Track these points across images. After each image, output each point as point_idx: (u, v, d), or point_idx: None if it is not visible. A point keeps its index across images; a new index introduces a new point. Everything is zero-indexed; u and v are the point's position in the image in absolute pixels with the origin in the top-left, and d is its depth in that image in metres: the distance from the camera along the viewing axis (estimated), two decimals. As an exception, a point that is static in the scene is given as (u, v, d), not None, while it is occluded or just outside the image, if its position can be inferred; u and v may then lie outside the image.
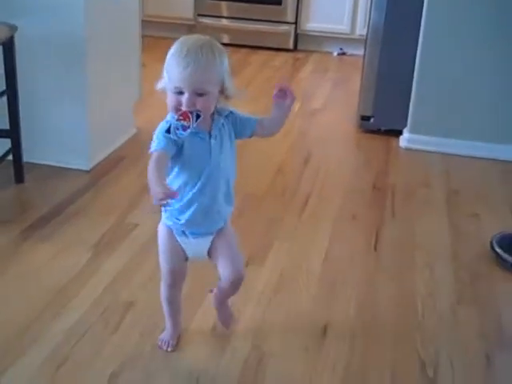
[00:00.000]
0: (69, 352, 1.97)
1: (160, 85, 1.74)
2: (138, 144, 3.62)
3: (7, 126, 2.95)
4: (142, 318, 2.14)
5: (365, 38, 4.10)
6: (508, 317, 2.27)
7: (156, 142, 1.74)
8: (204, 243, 1.88)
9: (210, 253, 1.90)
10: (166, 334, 2.02)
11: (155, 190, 1.58)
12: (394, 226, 2.87)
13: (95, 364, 1.92)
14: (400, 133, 3.84)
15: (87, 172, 3.22)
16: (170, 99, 1.71)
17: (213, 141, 1.76)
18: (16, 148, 2.97)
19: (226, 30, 5.90)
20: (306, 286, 2.38)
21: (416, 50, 3.69)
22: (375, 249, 2.67)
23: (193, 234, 1.85)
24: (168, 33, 5.89)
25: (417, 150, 3.71)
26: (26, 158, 3.07)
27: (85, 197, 2.99)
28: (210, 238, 1.88)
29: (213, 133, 1.77)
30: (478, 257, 2.63)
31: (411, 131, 3.76)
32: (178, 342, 2.02)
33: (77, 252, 2.52)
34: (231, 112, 1.82)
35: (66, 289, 2.29)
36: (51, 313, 2.15)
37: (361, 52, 4.21)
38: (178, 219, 1.83)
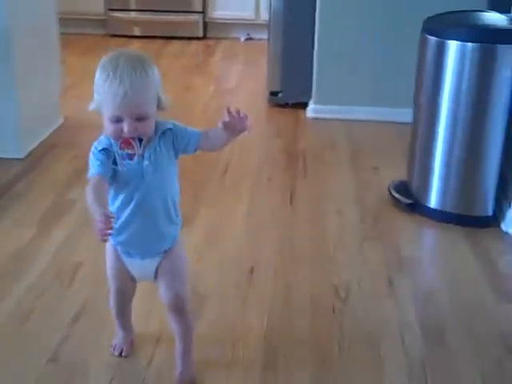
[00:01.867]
0: (31, 306, 2.25)
1: (92, 106, 1.67)
2: (66, 132, 3.87)
3: None
4: (92, 274, 2.42)
5: (268, 22, 4.46)
6: (405, 247, 2.68)
7: (91, 167, 1.67)
8: (151, 264, 1.80)
9: (157, 272, 1.83)
10: (117, 340, 2.01)
11: (95, 216, 1.53)
12: (306, 184, 3.25)
13: (56, 313, 2.22)
14: (306, 105, 4.22)
15: (21, 160, 3.44)
16: (109, 127, 1.64)
17: (146, 162, 1.68)
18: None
19: (136, 22, 6.15)
20: (232, 238, 2.73)
21: (314, 28, 4.07)
22: (291, 203, 3.04)
23: (139, 254, 1.79)
24: (80, 29, 6.11)
25: (322, 119, 4.09)
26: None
27: (22, 182, 3.22)
28: (158, 259, 1.80)
29: (146, 154, 1.68)
30: (379, 202, 3.04)
31: (316, 102, 4.15)
32: (131, 346, 2.01)
33: (23, 229, 2.77)
34: (170, 129, 1.72)
35: (19, 258, 2.55)
36: (9, 278, 2.41)
37: (266, 36, 4.57)
38: (116, 240, 1.77)
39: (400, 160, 3.32)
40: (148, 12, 6.11)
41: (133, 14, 6.15)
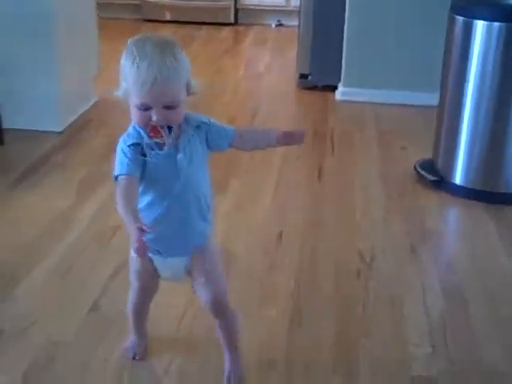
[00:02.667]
0: (72, 262, 2.40)
1: (119, 93, 1.59)
2: (100, 109, 4.00)
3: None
4: (129, 237, 2.54)
5: (299, 8, 4.57)
6: (429, 220, 2.77)
7: (119, 165, 1.58)
8: (181, 262, 1.72)
9: (190, 273, 1.75)
10: (131, 342, 1.92)
11: (130, 231, 1.46)
12: (334, 161, 3.35)
13: (95, 269, 2.36)
14: (335, 88, 4.31)
15: (60, 133, 3.59)
16: (136, 115, 1.56)
17: (180, 155, 1.59)
18: (-4, 112, 3.34)
19: (168, 7, 6.27)
20: (261, 206, 2.85)
21: (343, 14, 4.16)
22: (319, 178, 3.14)
23: (168, 252, 1.70)
24: (114, 13, 6.24)
25: (351, 101, 4.17)
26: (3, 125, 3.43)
27: (61, 152, 3.37)
28: (187, 258, 1.72)
29: (180, 146, 1.59)
30: (405, 178, 3.13)
31: (345, 85, 4.24)
32: (145, 352, 1.92)
33: (62, 194, 2.91)
34: (204, 122, 1.65)
35: (59, 221, 2.69)
36: (51, 238, 2.56)
37: (296, 23, 4.68)
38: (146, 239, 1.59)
39: (426, 141, 3.39)
40: (181, -3, 6.23)
41: (166, 0, 6.27)
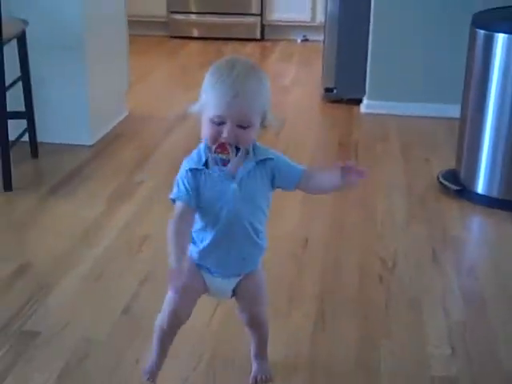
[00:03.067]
0: (102, 270, 2.48)
1: (195, 107, 1.61)
2: (131, 123, 4.11)
3: (22, 110, 3.44)
4: (157, 246, 2.63)
5: (324, 24, 4.66)
6: (451, 228, 2.83)
7: (177, 189, 1.61)
8: (229, 284, 1.75)
9: (235, 292, 1.77)
10: (149, 362, 1.85)
11: (171, 271, 1.50)
12: (358, 172, 3.40)
13: (126, 276, 2.45)
14: (360, 101, 4.38)
15: (91, 146, 3.70)
16: (208, 128, 1.56)
17: (234, 185, 1.60)
18: (31, 126, 3.45)
19: (196, 24, 6.40)
20: (288, 214, 2.91)
21: (368, 29, 4.23)
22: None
23: (219, 273, 1.72)
24: (143, 30, 6.38)
25: (375, 114, 4.24)
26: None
27: (92, 165, 3.48)
28: (237, 279, 1.74)
29: (237, 176, 1.60)
30: (428, 188, 3.18)
31: (369, 98, 4.31)
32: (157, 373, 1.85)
33: (93, 205, 3.01)
34: (272, 159, 1.63)
35: (91, 229, 2.79)
36: (82, 245, 2.66)
37: (321, 38, 4.77)
38: (196, 259, 1.71)
39: (449, 152, 3.45)
40: (207, 14, 6.36)
41: (193, 17, 6.40)
